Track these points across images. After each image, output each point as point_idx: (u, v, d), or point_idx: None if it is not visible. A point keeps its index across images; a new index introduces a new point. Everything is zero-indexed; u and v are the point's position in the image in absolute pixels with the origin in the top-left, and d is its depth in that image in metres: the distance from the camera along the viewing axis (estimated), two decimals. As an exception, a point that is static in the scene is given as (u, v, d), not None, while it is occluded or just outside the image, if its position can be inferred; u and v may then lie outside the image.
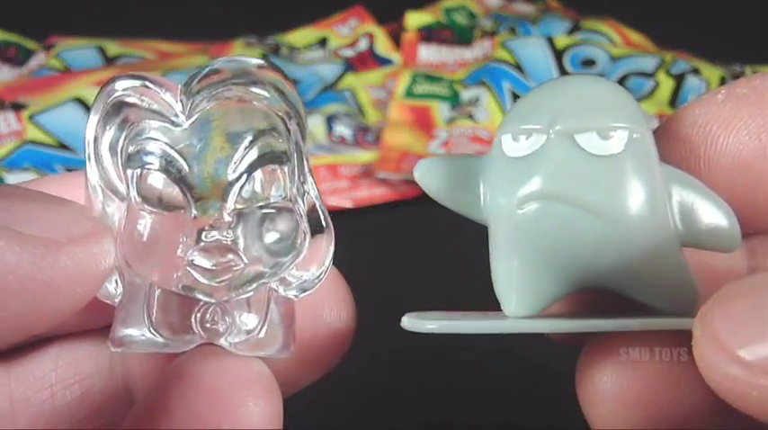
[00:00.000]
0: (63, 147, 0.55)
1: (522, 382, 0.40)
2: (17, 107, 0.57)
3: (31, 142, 0.55)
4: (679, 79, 0.59)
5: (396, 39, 0.67)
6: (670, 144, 0.21)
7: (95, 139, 0.20)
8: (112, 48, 0.65)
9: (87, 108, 0.56)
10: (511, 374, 0.40)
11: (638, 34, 0.66)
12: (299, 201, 0.20)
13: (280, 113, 0.20)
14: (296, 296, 0.21)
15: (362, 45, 0.66)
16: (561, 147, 0.19)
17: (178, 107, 0.19)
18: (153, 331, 0.20)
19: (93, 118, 0.19)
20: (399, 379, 0.41)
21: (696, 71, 0.59)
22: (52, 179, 0.22)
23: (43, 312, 0.17)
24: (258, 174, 0.19)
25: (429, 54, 0.65)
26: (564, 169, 0.19)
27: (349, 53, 0.65)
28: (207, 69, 0.19)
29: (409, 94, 0.60)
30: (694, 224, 0.20)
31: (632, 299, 0.20)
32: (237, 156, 0.19)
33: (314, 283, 0.21)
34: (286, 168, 0.19)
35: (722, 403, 0.17)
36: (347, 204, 0.53)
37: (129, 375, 0.22)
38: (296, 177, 0.20)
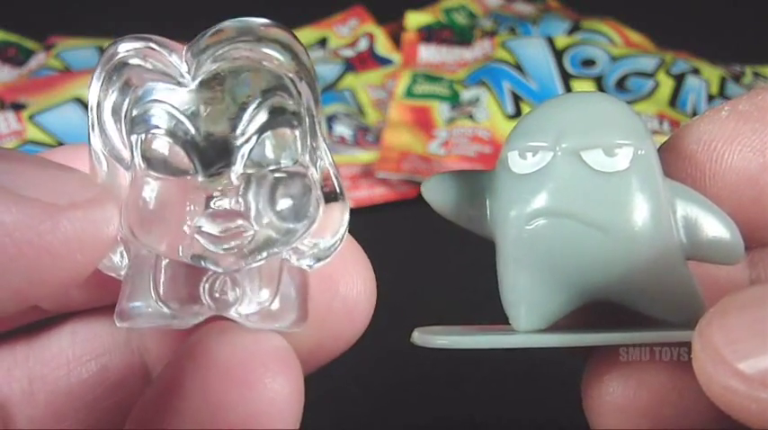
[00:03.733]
0: (63, 147, 0.55)
1: (527, 386, 0.40)
2: (17, 107, 0.57)
3: (31, 142, 0.55)
4: (679, 79, 0.59)
5: (396, 39, 0.67)
6: (675, 160, 0.21)
7: (98, 105, 0.19)
8: (112, 47, 0.65)
9: (87, 108, 0.56)
10: (516, 378, 0.40)
11: (638, 34, 0.66)
12: (312, 167, 0.19)
13: (290, 74, 0.19)
14: (309, 266, 0.20)
15: (362, 45, 0.66)
16: (568, 164, 0.20)
17: (183, 68, 0.18)
18: (160, 303, 0.19)
19: (96, 83, 0.19)
20: (400, 379, 0.42)
21: (696, 71, 0.59)
22: (55, 151, 0.21)
23: (42, 279, 0.16)
24: (269, 137, 0.18)
25: (429, 54, 0.65)
26: (571, 186, 0.20)
27: (349, 53, 0.65)
28: (214, 29, 0.18)
29: (409, 94, 0.60)
30: (698, 237, 0.20)
31: (639, 311, 0.21)
32: (246, 117, 0.18)
33: (328, 253, 0.20)
34: (297, 132, 0.19)
35: (726, 414, 0.17)
36: (347, 204, 0.53)
37: (146, 351, 0.22)
38: (308, 142, 0.19)
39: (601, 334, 0.20)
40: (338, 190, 0.20)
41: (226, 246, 0.18)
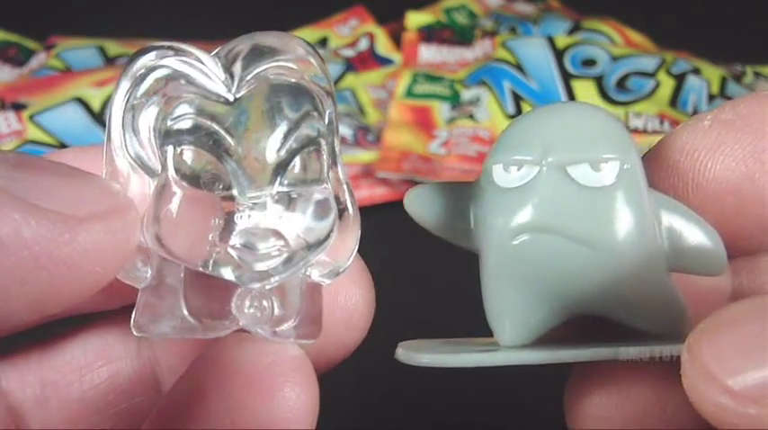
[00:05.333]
0: (63, 147, 0.55)
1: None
2: (17, 107, 0.57)
3: (32, 142, 0.55)
4: (679, 79, 0.59)
5: (396, 39, 0.67)
6: (659, 170, 0.21)
7: (132, 112, 0.19)
8: (112, 48, 0.65)
9: (87, 108, 0.56)
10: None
11: (639, 34, 0.65)
12: (330, 183, 0.19)
13: (321, 94, 0.19)
14: (324, 281, 0.20)
15: (363, 45, 0.66)
16: (553, 178, 0.19)
17: (222, 86, 0.18)
18: (191, 316, 0.19)
19: (122, 90, 0.18)
20: (393, 383, 0.42)
21: (696, 71, 0.59)
22: (61, 154, 0.21)
23: (59, 291, 0.16)
24: (302, 156, 0.18)
25: (429, 54, 0.65)
26: (556, 201, 0.19)
27: (349, 53, 0.65)
28: (252, 43, 0.18)
29: (409, 93, 0.60)
30: (682, 249, 0.20)
31: (624, 324, 0.21)
32: (285, 137, 0.18)
33: (342, 267, 0.20)
34: (324, 150, 0.19)
35: (707, 427, 0.17)
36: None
37: (156, 360, 0.23)
38: (330, 159, 0.19)
39: (586, 349, 0.20)
40: (351, 207, 0.20)
41: (262, 264, 0.18)
